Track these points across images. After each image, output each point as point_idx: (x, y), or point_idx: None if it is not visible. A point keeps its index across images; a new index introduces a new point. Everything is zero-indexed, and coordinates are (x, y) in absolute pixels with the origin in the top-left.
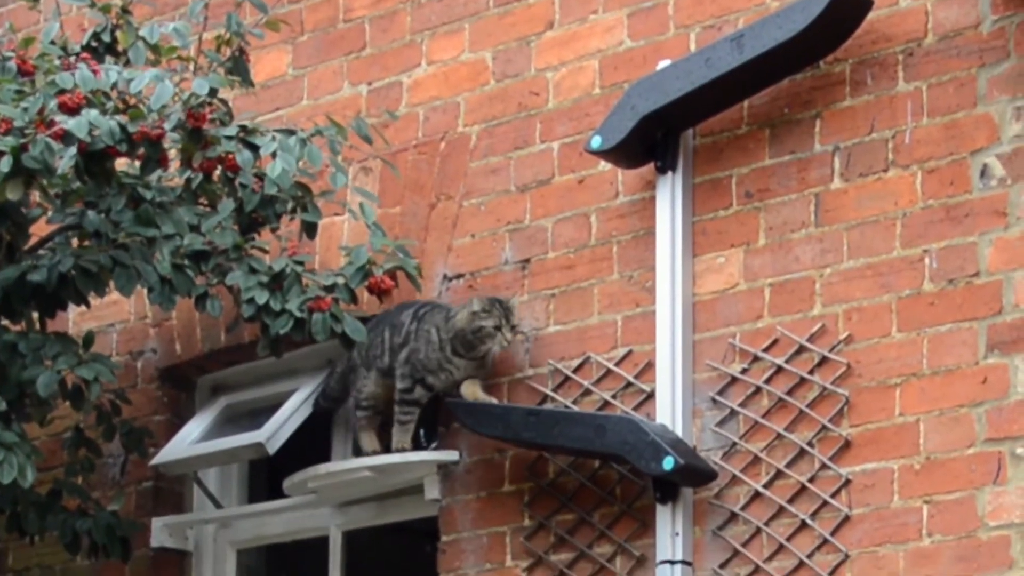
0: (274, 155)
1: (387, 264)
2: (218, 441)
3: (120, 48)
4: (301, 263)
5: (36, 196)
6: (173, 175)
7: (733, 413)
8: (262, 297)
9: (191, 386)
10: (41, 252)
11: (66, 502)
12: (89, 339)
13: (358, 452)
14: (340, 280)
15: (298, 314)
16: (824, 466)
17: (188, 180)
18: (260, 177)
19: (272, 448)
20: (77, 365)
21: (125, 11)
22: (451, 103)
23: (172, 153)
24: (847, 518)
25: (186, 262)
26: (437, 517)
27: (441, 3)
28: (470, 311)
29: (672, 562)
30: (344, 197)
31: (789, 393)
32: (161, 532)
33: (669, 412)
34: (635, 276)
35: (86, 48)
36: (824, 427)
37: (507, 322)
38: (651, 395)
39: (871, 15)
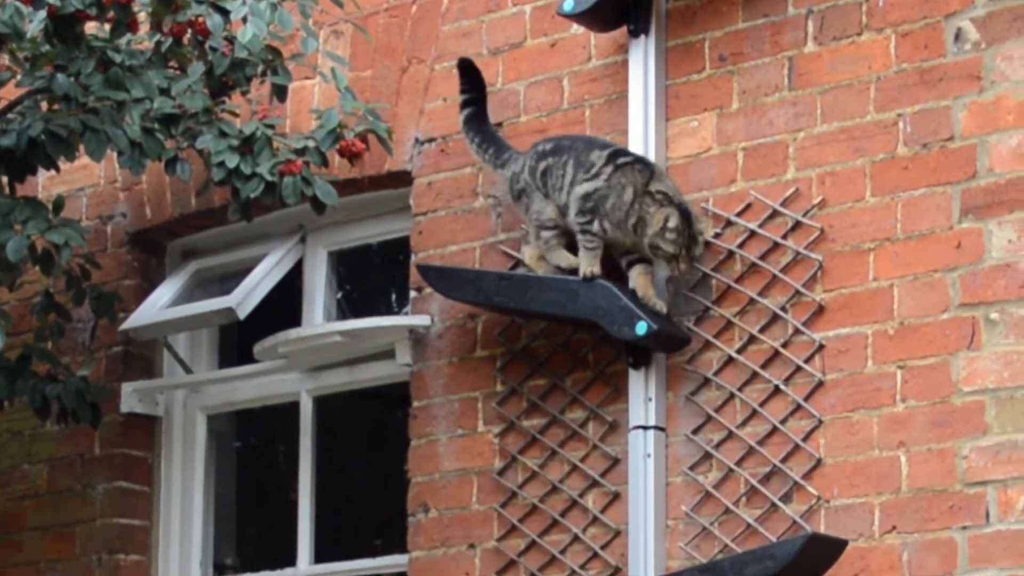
0: (244, 20)
1: (358, 127)
2: (188, 306)
3: None
4: (272, 126)
5: (5, 60)
6: (143, 38)
7: (706, 277)
8: (232, 160)
9: (161, 251)
10: (10, 116)
11: (35, 367)
12: (59, 204)
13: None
14: (311, 143)
15: (269, 177)
16: (797, 331)
17: (158, 44)
18: (230, 40)
19: (242, 313)
20: (47, 230)
21: None
22: None
23: (142, 16)
24: (820, 383)
25: (156, 126)
26: (408, 382)
27: None
28: (662, 223)
29: (645, 427)
30: (315, 61)
31: (762, 258)
32: (131, 397)
33: None
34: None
35: None
36: (798, 292)
37: (686, 252)
38: None
39: None
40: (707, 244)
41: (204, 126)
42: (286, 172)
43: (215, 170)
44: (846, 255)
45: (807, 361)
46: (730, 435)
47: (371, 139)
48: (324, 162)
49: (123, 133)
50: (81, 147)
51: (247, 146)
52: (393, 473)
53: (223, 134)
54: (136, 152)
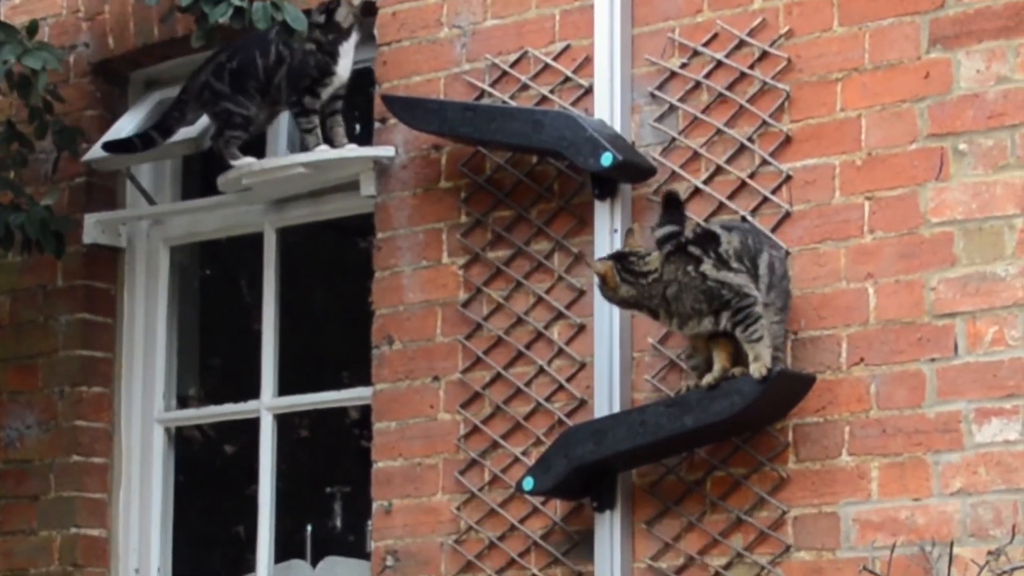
0: None
1: None
2: None
3: None
4: None
5: None
6: None
7: (672, 108)
8: None
9: (124, 81)
10: None
11: None
12: (33, 28)
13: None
14: None
15: (238, 2)
16: (764, 162)
17: None
18: None
19: (206, 144)
20: (23, 54)
21: None
22: None
23: None
24: (788, 214)
25: None
26: (372, 214)
27: None
28: None
29: None
30: None
31: (729, 88)
32: (94, 228)
33: (607, 107)
34: None
35: None
36: (764, 122)
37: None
38: (589, 90)
39: None
40: (673, 74)
41: None
42: None
43: None
44: (813, 85)
45: (774, 192)
46: None
47: None
48: None
49: None
50: None
51: None
52: (357, 305)
53: None
54: None
